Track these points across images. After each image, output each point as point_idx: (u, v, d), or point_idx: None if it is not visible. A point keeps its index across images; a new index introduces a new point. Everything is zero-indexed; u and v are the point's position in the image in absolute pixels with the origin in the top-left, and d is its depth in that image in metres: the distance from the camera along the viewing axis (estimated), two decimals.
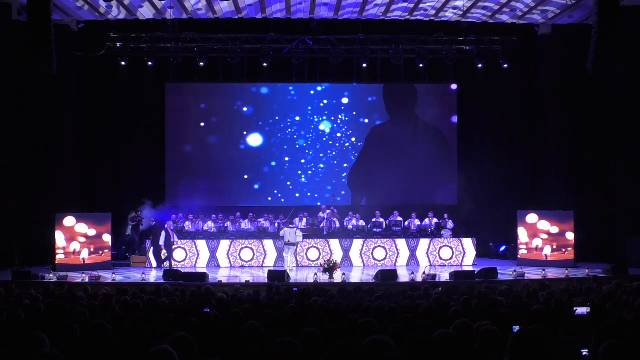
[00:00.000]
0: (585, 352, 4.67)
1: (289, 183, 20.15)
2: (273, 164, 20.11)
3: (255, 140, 20.07)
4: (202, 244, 17.29)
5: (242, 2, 16.91)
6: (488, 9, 17.47)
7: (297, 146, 20.14)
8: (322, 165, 20.20)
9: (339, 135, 20.20)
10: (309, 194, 20.15)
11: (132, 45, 18.70)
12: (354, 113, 20.28)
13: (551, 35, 18.59)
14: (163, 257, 16.83)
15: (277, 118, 20.11)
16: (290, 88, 20.21)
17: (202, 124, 19.99)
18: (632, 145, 17.53)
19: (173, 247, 16.89)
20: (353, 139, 20.27)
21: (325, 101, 20.22)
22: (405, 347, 4.34)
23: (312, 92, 20.26)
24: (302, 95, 20.24)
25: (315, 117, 20.20)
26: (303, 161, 20.14)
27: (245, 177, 20.00)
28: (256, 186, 20.05)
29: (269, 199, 19.95)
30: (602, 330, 4.73)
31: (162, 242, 16.75)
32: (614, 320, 6.28)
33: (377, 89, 20.30)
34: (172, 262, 16.80)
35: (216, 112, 20.10)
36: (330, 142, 20.19)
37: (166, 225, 16.91)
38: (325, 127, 20.18)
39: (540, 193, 18.95)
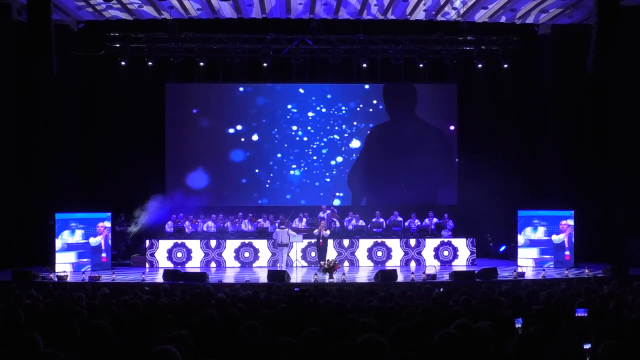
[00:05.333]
0: (587, 346, 4.68)
1: (296, 194, 20.16)
2: (273, 163, 20.10)
3: (256, 139, 20.06)
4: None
5: (242, 2, 16.91)
6: (488, 9, 17.46)
7: (297, 144, 20.13)
8: (333, 163, 20.21)
9: (342, 125, 20.23)
10: (300, 192, 20.15)
11: (132, 45, 18.71)
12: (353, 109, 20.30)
13: (551, 35, 18.59)
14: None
15: (278, 117, 20.10)
16: (301, 90, 20.20)
17: (202, 124, 19.99)
18: (632, 145, 17.54)
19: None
20: (359, 121, 20.29)
21: (328, 96, 20.23)
22: (411, 347, 4.34)
23: (297, 89, 20.25)
24: (303, 94, 20.23)
25: (318, 115, 20.19)
26: (314, 163, 20.14)
27: (244, 179, 20.02)
28: (256, 186, 20.07)
29: (286, 202, 19.80)
30: (602, 330, 4.73)
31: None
32: (614, 320, 6.28)
33: (377, 89, 20.31)
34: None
35: (217, 113, 20.08)
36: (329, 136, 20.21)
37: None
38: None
39: (540, 193, 18.95)
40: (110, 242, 16.80)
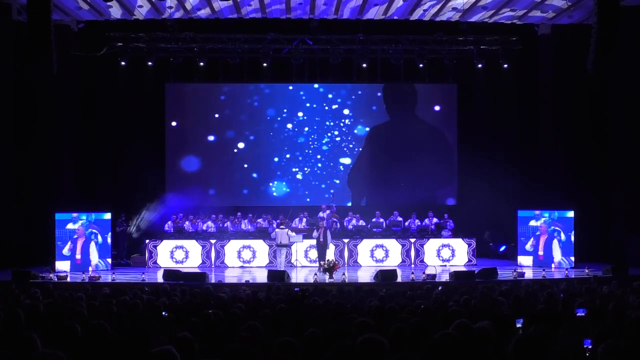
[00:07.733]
0: (588, 343, 4.68)
1: (288, 195, 20.15)
2: (274, 162, 20.10)
3: (257, 140, 20.04)
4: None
5: (242, 2, 16.91)
6: (488, 9, 17.46)
7: (299, 144, 20.13)
8: (342, 161, 20.20)
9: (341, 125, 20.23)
10: (307, 193, 20.13)
11: (132, 45, 18.70)
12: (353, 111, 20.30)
13: (551, 35, 18.59)
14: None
15: (277, 117, 20.09)
16: (290, 87, 20.20)
17: (202, 124, 19.98)
18: (631, 145, 17.54)
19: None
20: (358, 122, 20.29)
21: (325, 93, 20.22)
22: (411, 347, 4.34)
23: (292, 90, 20.24)
24: (303, 94, 20.22)
25: (317, 116, 20.18)
26: (318, 162, 20.11)
27: (245, 184, 20.02)
28: (257, 188, 20.07)
29: (286, 203, 19.79)
30: (602, 330, 4.73)
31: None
32: (614, 320, 6.27)
33: (377, 89, 20.30)
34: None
35: (216, 112, 20.07)
36: (332, 136, 20.20)
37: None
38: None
39: (540, 193, 18.94)
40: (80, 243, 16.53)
